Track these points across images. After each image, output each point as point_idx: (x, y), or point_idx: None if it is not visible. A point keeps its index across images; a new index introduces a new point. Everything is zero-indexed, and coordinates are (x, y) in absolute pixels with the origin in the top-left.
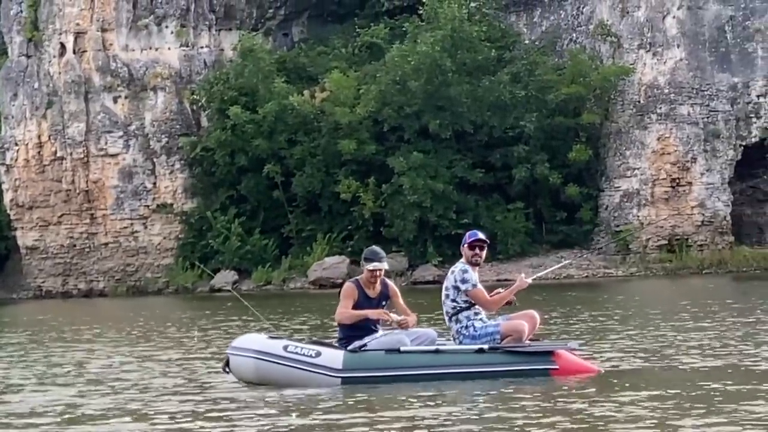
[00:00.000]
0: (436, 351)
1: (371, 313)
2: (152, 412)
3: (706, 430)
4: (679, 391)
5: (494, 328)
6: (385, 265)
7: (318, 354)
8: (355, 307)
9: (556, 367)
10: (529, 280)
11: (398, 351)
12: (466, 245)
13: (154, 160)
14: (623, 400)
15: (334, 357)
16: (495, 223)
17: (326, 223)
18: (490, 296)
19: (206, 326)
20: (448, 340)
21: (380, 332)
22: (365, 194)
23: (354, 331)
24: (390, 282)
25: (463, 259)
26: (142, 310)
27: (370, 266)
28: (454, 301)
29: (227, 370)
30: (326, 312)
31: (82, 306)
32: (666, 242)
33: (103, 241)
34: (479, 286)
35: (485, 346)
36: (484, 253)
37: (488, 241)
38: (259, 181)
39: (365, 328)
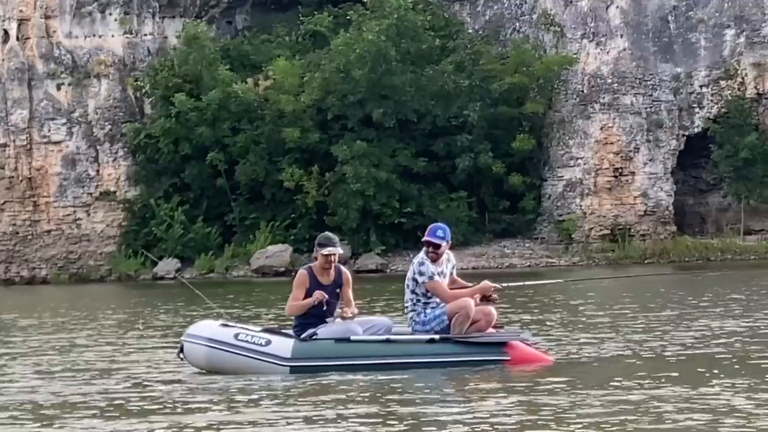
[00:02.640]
0: (387, 341)
1: (311, 300)
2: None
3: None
4: (621, 379)
5: (441, 310)
6: (339, 250)
7: (268, 342)
8: (308, 295)
9: (508, 357)
10: (498, 286)
11: (348, 340)
12: (423, 240)
13: (98, 147)
14: (578, 391)
15: (283, 346)
16: (438, 212)
17: (269, 211)
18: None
19: (158, 313)
20: (406, 327)
21: (330, 320)
22: (308, 183)
23: (308, 319)
24: (345, 270)
25: (424, 249)
26: (85, 297)
27: (325, 251)
28: (413, 292)
29: (181, 356)
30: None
31: (23, 293)
32: (608, 232)
33: (46, 228)
34: (437, 278)
35: (436, 336)
36: (440, 250)
37: (442, 241)
38: (202, 168)
39: (320, 316)
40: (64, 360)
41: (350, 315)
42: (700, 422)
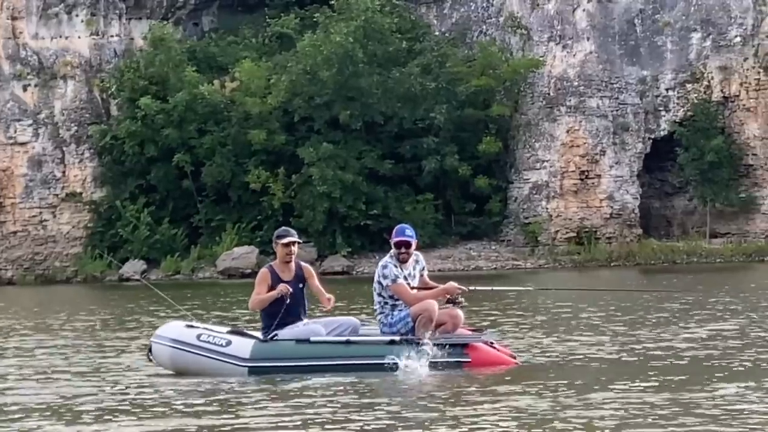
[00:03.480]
0: (347, 342)
1: (274, 293)
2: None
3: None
4: (582, 382)
5: (406, 312)
6: (296, 238)
7: (228, 343)
8: (270, 291)
9: (469, 359)
10: (465, 288)
11: (308, 341)
12: (393, 242)
13: (64, 148)
14: (544, 392)
15: (242, 347)
16: (404, 214)
17: (235, 213)
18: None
19: (126, 315)
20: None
21: (304, 321)
22: (275, 184)
23: (275, 319)
24: (304, 264)
25: (391, 252)
26: (52, 298)
27: (284, 240)
28: (380, 295)
29: (150, 358)
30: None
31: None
32: (574, 234)
33: (12, 229)
34: (400, 280)
35: (397, 338)
36: (411, 250)
37: (412, 239)
38: (168, 170)
39: (288, 316)
40: (23, 363)
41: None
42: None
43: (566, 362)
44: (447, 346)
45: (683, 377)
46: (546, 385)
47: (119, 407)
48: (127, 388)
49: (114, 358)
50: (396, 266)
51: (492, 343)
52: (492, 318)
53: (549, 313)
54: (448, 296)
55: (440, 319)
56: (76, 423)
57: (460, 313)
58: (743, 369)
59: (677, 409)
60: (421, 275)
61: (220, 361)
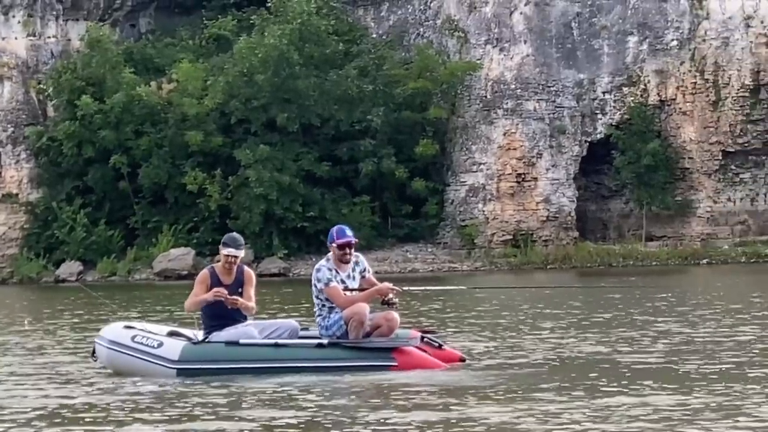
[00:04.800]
0: (276, 345)
1: (208, 296)
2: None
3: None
4: (510, 384)
5: (338, 315)
6: (239, 253)
7: (160, 345)
8: (208, 291)
9: (395, 363)
10: (399, 289)
11: (237, 343)
12: (334, 245)
13: (0, 150)
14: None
15: (172, 348)
16: (341, 216)
17: (172, 214)
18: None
19: (61, 316)
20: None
21: (244, 324)
22: (211, 186)
23: (215, 321)
24: (247, 268)
25: (328, 255)
26: None
27: (225, 251)
28: (317, 297)
29: (94, 358)
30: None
31: None
32: (511, 237)
33: None
34: (332, 283)
35: (325, 341)
36: (353, 250)
37: (353, 240)
38: (105, 172)
39: (228, 318)
40: None
41: (242, 307)
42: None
43: (509, 364)
44: (373, 350)
45: (614, 382)
46: (478, 389)
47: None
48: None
49: (53, 358)
50: (330, 269)
51: (441, 345)
52: (437, 319)
53: (489, 315)
54: (382, 297)
55: (376, 322)
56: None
57: (395, 316)
58: (681, 375)
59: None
60: (364, 276)
61: (150, 362)
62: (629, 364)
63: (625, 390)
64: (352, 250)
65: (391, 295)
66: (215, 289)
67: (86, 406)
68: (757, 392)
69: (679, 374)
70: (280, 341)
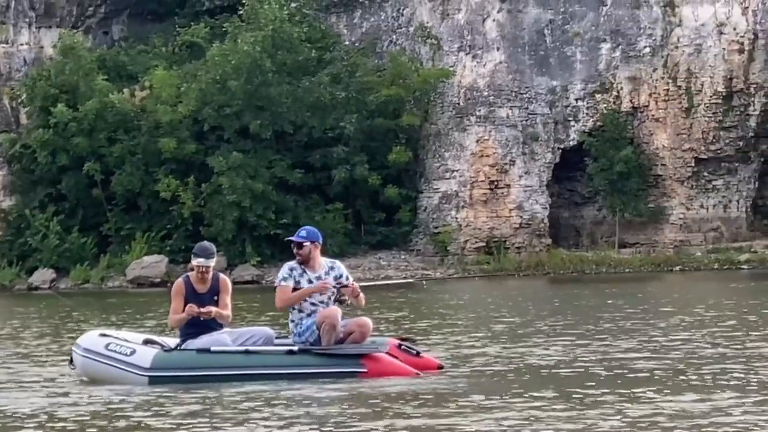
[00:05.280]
0: (246, 352)
1: (183, 316)
2: None
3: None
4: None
5: (311, 321)
6: (209, 263)
7: (132, 352)
8: (186, 302)
9: (365, 370)
10: (332, 283)
11: (209, 351)
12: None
13: None
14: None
15: (144, 356)
16: (314, 223)
17: (145, 221)
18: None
19: (37, 324)
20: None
21: (220, 331)
22: (185, 193)
23: (190, 329)
24: (223, 276)
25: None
26: None
27: (195, 262)
28: None
29: (72, 366)
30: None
31: None
32: (484, 244)
33: None
34: (283, 283)
35: (295, 348)
36: (304, 251)
37: (304, 240)
38: (78, 179)
39: (204, 326)
40: None
41: (214, 314)
42: None
43: (479, 372)
44: (343, 356)
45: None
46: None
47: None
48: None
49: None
50: (293, 268)
51: (419, 353)
52: (415, 327)
53: (467, 321)
54: (338, 296)
55: (349, 328)
56: None
57: (369, 321)
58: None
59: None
60: (341, 283)
61: (123, 370)
62: (602, 370)
63: (599, 398)
64: (302, 251)
65: (345, 297)
66: (188, 308)
67: (46, 415)
68: (727, 398)
69: (656, 380)
70: (251, 348)
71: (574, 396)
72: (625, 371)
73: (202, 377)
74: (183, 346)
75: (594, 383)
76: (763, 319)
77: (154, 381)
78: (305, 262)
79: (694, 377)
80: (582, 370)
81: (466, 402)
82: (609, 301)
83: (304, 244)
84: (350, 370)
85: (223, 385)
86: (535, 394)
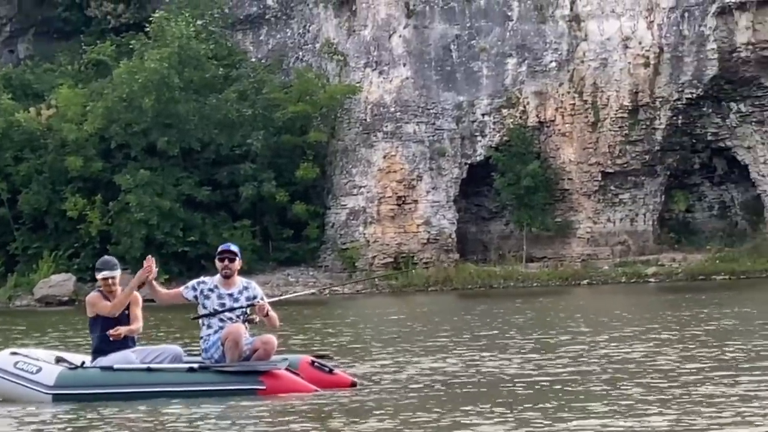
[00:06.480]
0: (148, 369)
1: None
2: None
3: None
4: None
5: (216, 336)
6: (114, 273)
7: (38, 370)
8: (98, 317)
9: (263, 387)
10: (261, 303)
11: (112, 368)
12: (217, 258)
13: None
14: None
15: (49, 374)
16: (222, 240)
17: (53, 240)
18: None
19: None
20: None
21: (132, 348)
22: (92, 212)
23: (102, 345)
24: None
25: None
26: None
27: (101, 275)
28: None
29: None
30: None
31: None
32: (392, 260)
33: None
34: (182, 289)
35: (196, 365)
36: (234, 265)
37: (237, 252)
38: None
39: (116, 343)
40: None
41: (123, 332)
42: None
43: (388, 387)
44: (241, 374)
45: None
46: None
47: None
48: None
49: None
50: (205, 282)
51: (331, 370)
52: (331, 344)
53: (381, 337)
54: (247, 316)
55: (254, 345)
56: None
57: (272, 338)
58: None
59: None
60: (253, 304)
61: (28, 388)
62: (506, 383)
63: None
64: (233, 265)
65: (254, 316)
66: (128, 289)
67: None
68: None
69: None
70: (153, 366)
71: (473, 412)
72: (524, 385)
73: (105, 395)
74: (94, 364)
75: (494, 397)
76: (646, 331)
77: (57, 399)
78: (230, 277)
79: (580, 390)
80: (490, 383)
81: (374, 418)
82: (517, 317)
83: (237, 258)
84: (249, 387)
85: (125, 403)
86: (445, 408)
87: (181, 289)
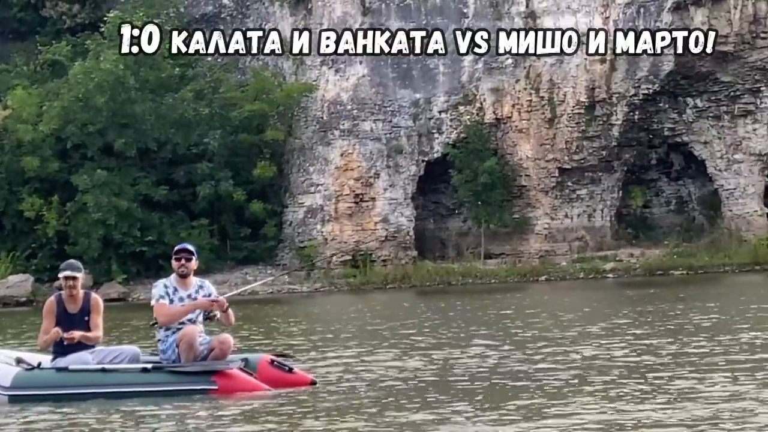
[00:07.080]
0: (102, 370)
1: (52, 337)
2: None
3: None
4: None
5: (173, 338)
6: (77, 274)
7: None
8: (58, 322)
9: (216, 387)
10: (220, 298)
11: (67, 369)
12: (173, 258)
13: None
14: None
15: (6, 375)
16: (179, 240)
17: (10, 241)
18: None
19: None
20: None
21: (90, 350)
22: (49, 212)
23: (60, 347)
24: (95, 295)
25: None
26: None
27: (62, 275)
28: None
29: None
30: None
31: None
32: (350, 258)
33: None
34: (162, 301)
35: (149, 366)
36: (191, 264)
37: (193, 252)
38: None
39: (74, 344)
40: None
41: (77, 337)
42: None
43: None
44: (194, 374)
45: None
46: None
47: None
48: None
49: None
50: (167, 286)
51: (291, 369)
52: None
53: (341, 335)
54: (207, 313)
55: (211, 345)
56: None
57: (229, 338)
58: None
59: None
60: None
61: None
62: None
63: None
64: (189, 264)
65: (215, 312)
66: (53, 332)
67: None
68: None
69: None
70: (107, 366)
71: (440, 409)
72: (488, 382)
73: (61, 395)
74: (50, 365)
75: (454, 394)
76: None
77: (14, 400)
78: (186, 276)
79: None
80: (454, 380)
81: (334, 416)
82: (479, 313)
83: (194, 257)
84: (201, 387)
85: (81, 403)
86: (408, 406)
87: (160, 301)
